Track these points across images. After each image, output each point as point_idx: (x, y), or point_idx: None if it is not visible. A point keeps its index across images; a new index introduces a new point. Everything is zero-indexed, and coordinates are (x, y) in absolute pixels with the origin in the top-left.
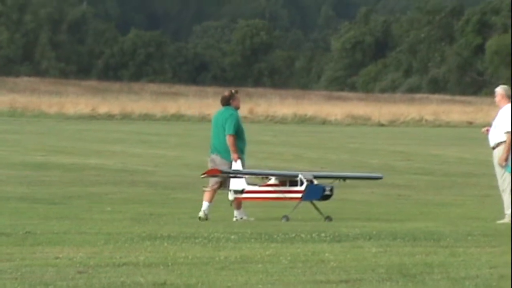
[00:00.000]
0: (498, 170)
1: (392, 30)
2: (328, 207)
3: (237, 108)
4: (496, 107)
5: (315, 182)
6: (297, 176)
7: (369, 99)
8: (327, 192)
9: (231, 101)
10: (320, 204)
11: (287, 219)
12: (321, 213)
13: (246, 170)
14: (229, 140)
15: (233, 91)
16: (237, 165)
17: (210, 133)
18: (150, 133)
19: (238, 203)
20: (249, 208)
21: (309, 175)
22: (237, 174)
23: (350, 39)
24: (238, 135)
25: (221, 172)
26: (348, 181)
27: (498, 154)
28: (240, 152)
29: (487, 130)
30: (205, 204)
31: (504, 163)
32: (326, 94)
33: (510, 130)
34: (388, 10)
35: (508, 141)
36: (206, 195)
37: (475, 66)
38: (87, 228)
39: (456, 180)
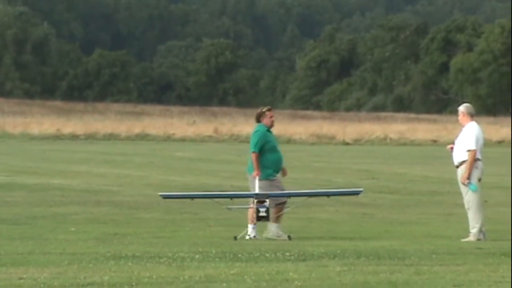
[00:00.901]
0: (463, 188)
1: (357, 48)
2: (293, 226)
3: (267, 125)
4: (460, 125)
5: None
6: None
7: (334, 118)
8: (261, 214)
9: (261, 118)
10: (285, 222)
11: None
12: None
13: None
14: (252, 157)
15: (264, 109)
16: (255, 183)
17: (174, 153)
18: (114, 153)
19: (276, 217)
20: (214, 228)
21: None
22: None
23: (315, 57)
24: (267, 152)
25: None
26: (313, 199)
27: (461, 172)
28: (270, 171)
29: (451, 148)
30: (250, 227)
31: (466, 182)
32: (291, 113)
33: (471, 148)
34: (353, 28)
35: (470, 159)
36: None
37: (440, 84)
38: (52, 248)
39: (420, 199)
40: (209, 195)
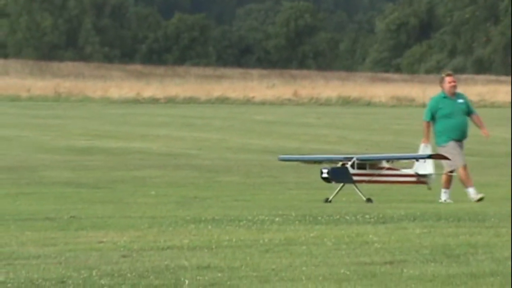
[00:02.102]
0: None
1: (436, 11)
2: (374, 189)
3: (446, 91)
4: None
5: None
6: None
7: (414, 80)
8: (323, 175)
9: (441, 84)
10: (365, 185)
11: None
12: (361, 194)
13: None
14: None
15: (443, 74)
16: (424, 149)
17: (254, 116)
18: (194, 116)
19: (446, 183)
20: (293, 191)
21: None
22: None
23: (394, 20)
24: (439, 120)
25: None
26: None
27: None
28: (444, 137)
29: None
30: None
31: None
32: (371, 76)
33: None
34: None
35: None
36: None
37: None
38: (131, 212)
39: (500, 161)
40: (324, 158)
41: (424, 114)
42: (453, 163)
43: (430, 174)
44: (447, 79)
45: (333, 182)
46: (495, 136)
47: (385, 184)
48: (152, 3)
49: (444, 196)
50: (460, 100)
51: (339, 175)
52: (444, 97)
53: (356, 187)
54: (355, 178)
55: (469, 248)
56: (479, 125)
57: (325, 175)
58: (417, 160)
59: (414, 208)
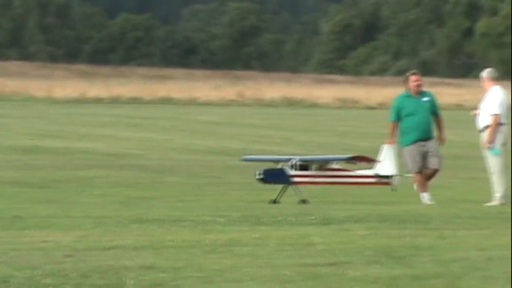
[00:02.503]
0: (487, 153)
1: (381, 12)
2: (316, 190)
3: (412, 91)
4: (484, 91)
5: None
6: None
7: (358, 82)
8: (257, 176)
9: (405, 84)
10: (308, 186)
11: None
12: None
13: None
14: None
15: (407, 73)
16: (387, 150)
17: (198, 116)
18: (138, 116)
19: (422, 186)
20: (237, 192)
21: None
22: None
23: (339, 21)
24: (404, 118)
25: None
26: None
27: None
28: (409, 136)
29: (477, 113)
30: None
31: (488, 146)
32: (316, 77)
33: (495, 112)
34: None
35: (493, 123)
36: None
37: (464, 48)
38: (75, 212)
39: (445, 163)
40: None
41: (390, 116)
42: (408, 168)
43: (392, 175)
44: (412, 78)
45: (270, 183)
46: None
47: (342, 185)
48: (97, 3)
49: (425, 198)
50: (425, 98)
51: (274, 176)
52: (408, 96)
53: (296, 188)
54: (296, 179)
55: (412, 250)
56: (439, 129)
57: (258, 176)
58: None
59: (358, 209)
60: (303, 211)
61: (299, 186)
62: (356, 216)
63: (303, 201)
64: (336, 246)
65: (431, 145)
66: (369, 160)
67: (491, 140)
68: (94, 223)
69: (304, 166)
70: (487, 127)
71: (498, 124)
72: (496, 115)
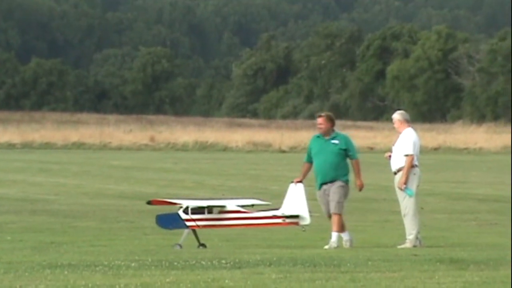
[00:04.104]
0: (400, 195)
1: (293, 56)
2: (229, 234)
3: (320, 131)
4: (396, 132)
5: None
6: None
7: (270, 126)
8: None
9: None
10: (219, 230)
11: (180, 246)
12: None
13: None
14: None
15: (315, 115)
16: (293, 188)
17: (110, 161)
18: (51, 161)
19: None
20: (150, 236)
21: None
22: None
23: (251, 65)
24: (313, 160)
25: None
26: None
27: (399, 178)
28: (318, 179)
29: (389, 156)
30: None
31: (403, 187)
32: (228, 121)
33: (409, 153)
34: (288, 36)
35: (407, 164)
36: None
37: (376, 91)
38: None
39: (356, 206)
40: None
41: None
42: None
43: (300, 216)
44: (318, 119)
45: (166, 229)
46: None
47: (247, 227)
48: (10, 48)
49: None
50: (335, 141)
51: (168, 221)
52: (318, 137)
53: (193, 232)
54: (189, 223)
55: None
56: (354, 173)
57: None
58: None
59: (270, 253)
60: (216, 255)
61: (198, 230)
62: (268, 260)
63: (202, 245)
64: None
65: (331, 188)
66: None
67: (406, 181)
68: (6, 268)
69: (196, 210)
70: (401, 168)
71: (411, 165)
72: (410, 155)
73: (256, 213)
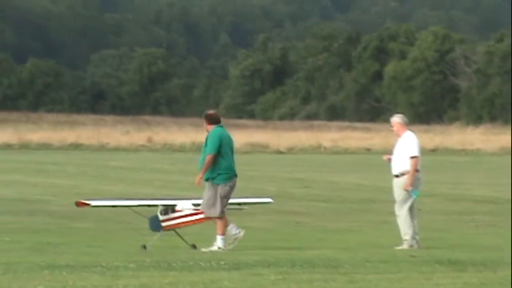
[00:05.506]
0: (400, 194)
1: (290, 57)
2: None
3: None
4: (394, 135)
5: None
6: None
7: (267, 127)
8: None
9: None
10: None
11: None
12: (185, 241)
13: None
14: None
15: None
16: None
17: (107, 162)
18: (48, 162)
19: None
20: (148, 237)
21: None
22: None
23: (248, 66)
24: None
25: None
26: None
27: (403, 181)
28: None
29: (389, 159)
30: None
31: (410, 188)
32: (224, 122)
33: (415, 154)
34: (284, 37)
35: (413, 165)
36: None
37: (373, 92)
38: None
39: (354, 207)
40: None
41: None
42: None
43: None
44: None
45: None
46: (348, 182)
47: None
48: (6, 48)
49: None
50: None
51: (154, 223)
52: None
53: (177, 233)
54: (164, 224)
55: None
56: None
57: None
58: None
59: (268, 254)
60: (214, 256)
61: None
62: (267, 261)
63: (193, 246)
64: None
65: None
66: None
67: (412, 182)
68: (4, 269)
69: (165, 210)
70: (404, 172)
71: (416, 168)
72: (416, 157)
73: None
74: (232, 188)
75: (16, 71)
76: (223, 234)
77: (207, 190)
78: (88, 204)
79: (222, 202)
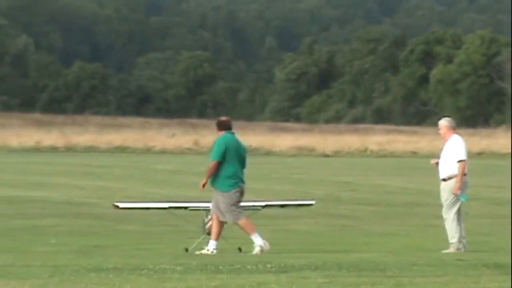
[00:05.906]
0: (447, 197)
1: (336, 60)
2: (273, 238)
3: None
4: (441, 139)
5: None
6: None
7: (313, 130)
8: None
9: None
10: (264, 234)
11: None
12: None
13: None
14: None
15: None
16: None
17: (154, 165)
18: (94, 165)
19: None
20: (194, 240)
21: None
22: None
23: (294, 70)
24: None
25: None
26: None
27: (451, 185)
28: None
29: (436, 163)
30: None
31: (458, 192)
32: (271, 125)
33: (462, 158)
34: (331, 41)
35: (461, 169)
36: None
37: (419, 96)
38: (32, 260)
39: (400, 210)
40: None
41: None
42: None
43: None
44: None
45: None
46: (394, 186)
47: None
48: (53, 51)
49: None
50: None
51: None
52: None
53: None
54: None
55: None
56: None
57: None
58: None
59: (315, 257)
60: (261, 259)
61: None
62: (314, 264)
63: (239, 249)
64: None
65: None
66: None
67: (461, 186)
68: (51, 272)
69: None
70: (452, 175)
71: (464, 171)
72: (463, 161)
73: None
74: (241, 194)
75: (63, 74)
76: (254, 232)
77: (216, 196)
78: (117, 206)
79: (230, 209)
